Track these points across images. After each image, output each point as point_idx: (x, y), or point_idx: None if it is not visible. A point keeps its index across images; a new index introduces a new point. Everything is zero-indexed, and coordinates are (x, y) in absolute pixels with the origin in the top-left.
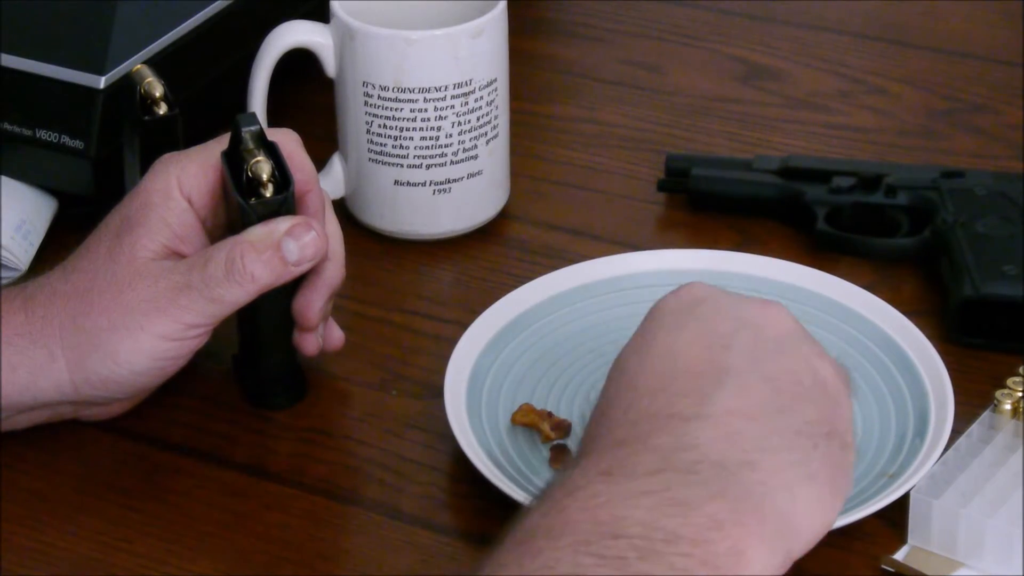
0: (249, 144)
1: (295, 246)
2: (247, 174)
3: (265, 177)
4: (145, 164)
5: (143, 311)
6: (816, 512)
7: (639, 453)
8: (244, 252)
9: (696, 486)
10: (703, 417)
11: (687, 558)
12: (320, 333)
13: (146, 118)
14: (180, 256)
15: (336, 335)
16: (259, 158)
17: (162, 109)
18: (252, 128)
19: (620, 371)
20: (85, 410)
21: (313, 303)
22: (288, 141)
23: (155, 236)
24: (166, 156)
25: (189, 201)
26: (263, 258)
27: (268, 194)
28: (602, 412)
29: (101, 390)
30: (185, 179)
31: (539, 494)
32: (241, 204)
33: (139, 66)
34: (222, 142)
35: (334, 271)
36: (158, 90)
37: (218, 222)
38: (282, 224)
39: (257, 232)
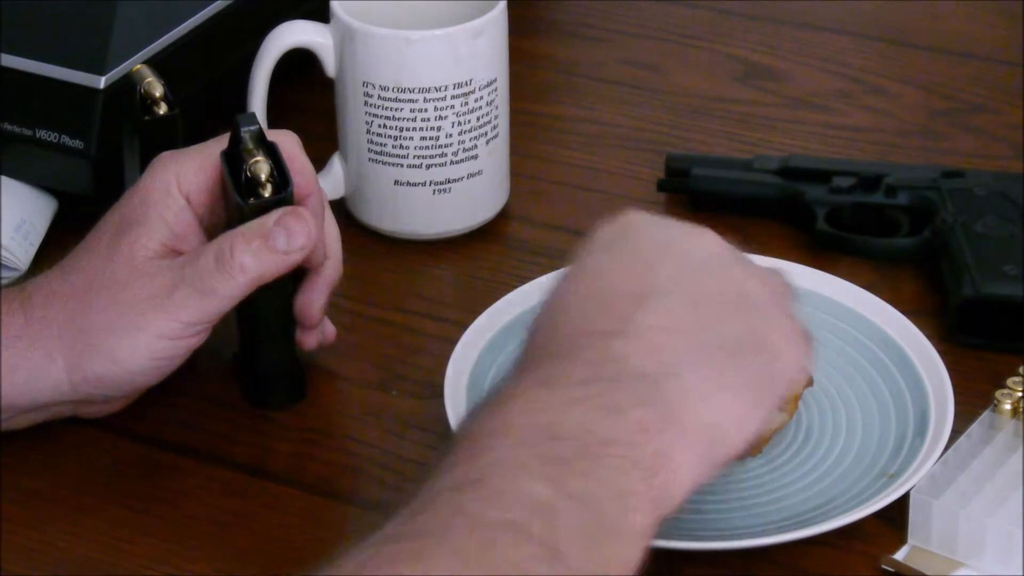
0: (248, 144)
1: (284, 234)
2: (246, 174)
3: (264, 177)
4: (145, 164)
5: (140, 310)
6: (733, 423)
7: (571, 365)
8: (234, 243)
9: (623, 393)
10: (627, 333)
11: (620, 459)
12: (321, 330)
13: (146, 118)
14: (179, 255)
15: (329, 329)
16: (258, 158)
17: (162, 109)
18: (252, 128)
19: (553, 294)
20: (84, 408)
21: (315, 302)
22: (288, 143)
23: (153, 235)
24: (165, 155)
25: (187, 199)
26: (252, 247)
27: (267, 194)
28: (537, 330)
29: (99, 389)
30: (184, 178)
31: (482, 401)
32: (238, 204)
33: (139, 66)
34: (221, 141)
35: (333, 269)
36: (158, 90)
37: (216, 221)
38: (272, 215)
39: (247, 224)
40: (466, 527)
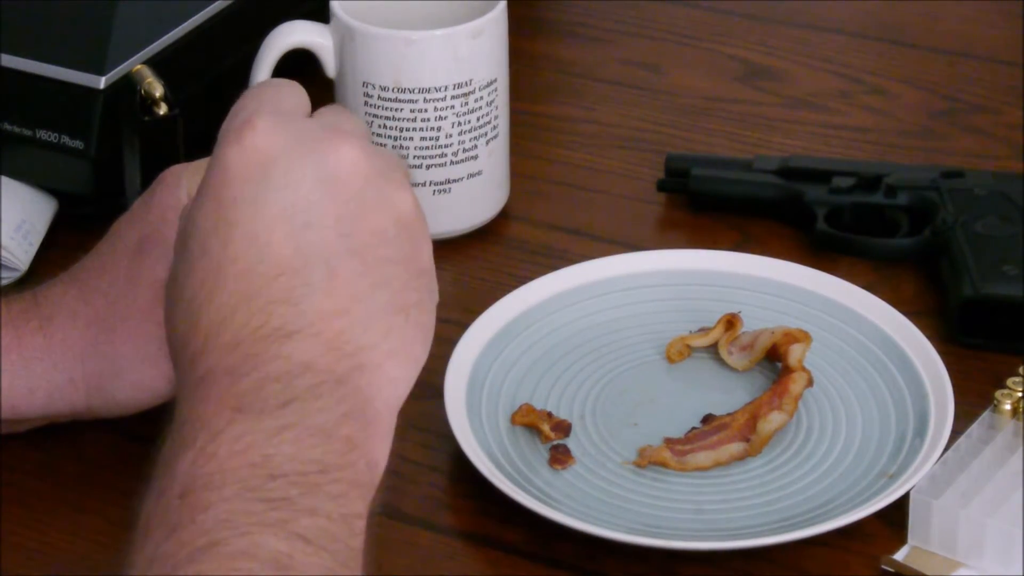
0: None
1: None
2: None
3: None
4: (145, 165)
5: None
6: (412, 377)
7: (261, 385)
8: None
9: (325, 412)
10: (303, 332)
11: (340, 483)
12: None
13: (146, 119)
14: None
15: None
16: None
17: (162, 110)
18: None
19: (202, 251)
20: (96, 413)
21: None
22: None
23: (172, 257)
24: (175, 168)
25: None
26: None
27: None
28: (197, 316)
29: (117, 412)
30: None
31: (170, 424)
32: None
33: (139, 67)
34: None
35: None
36: (158, 90)
37: None
38: None
39: None
40: None
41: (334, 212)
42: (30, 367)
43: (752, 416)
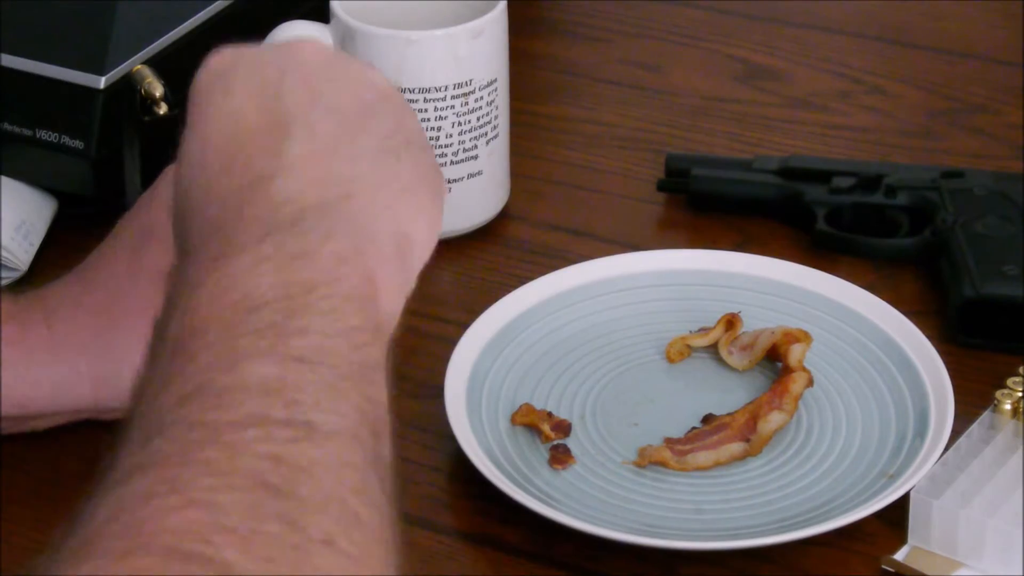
0: None
1: None
2: None
3: None
4: (145, 165)
5: None
6: (422, 220)
7: (240, 229)
8: None
9: (307, 234)
10: (284, 171)
11: (329, 298)
12: None
13: (146, 119)
14: None
15: None
16: None
17: (162, 109)
18: None
19: (187, 163)
20: (103, 415)
21: None
22: None
23: (171, 249)
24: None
25: None
26: None
27: None
28: (182, 205)
29: (125, 403)
30: None
31: (166, 302)
32: None
33: (139, 67)
34: None
35: None
36: (158, 90)
37: None
38: None
39: None
40: (208, 440)
41: (302, 83)
42: (34, 359)
43: (752, 416)
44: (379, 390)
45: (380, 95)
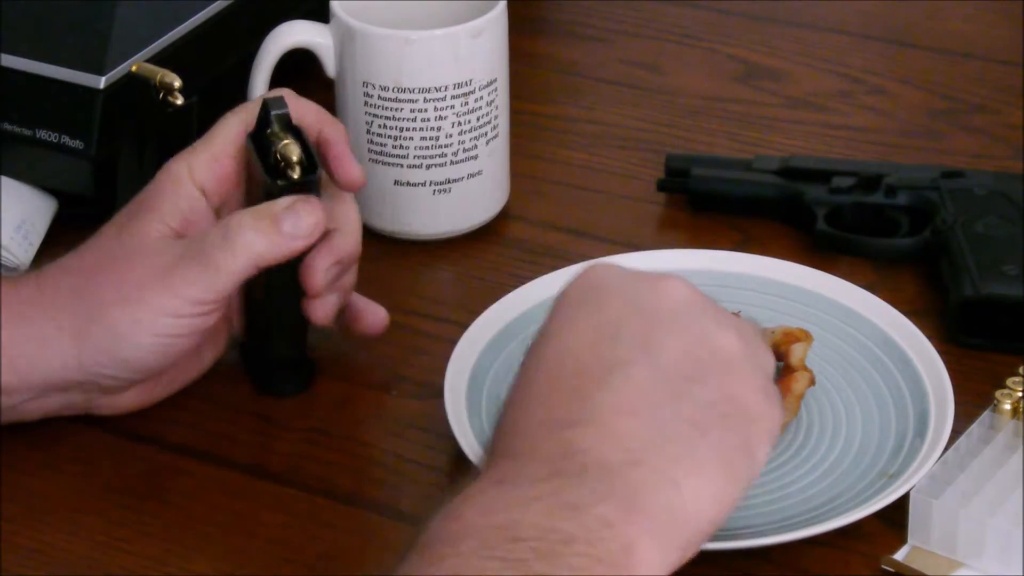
0: (277, 127)
1: (292, 218)
2: (275, 156)
3: (295, 159)
4: (161, 156)
5: (142, 284)
6: (706, 502)
7: (529, 463)
8: (242, 220)
9: (584, 488)
10: (585, 422)
11: (583, 557)
12: (332, 304)
13: (168, 110)
14: None
15: (380, 315)
16: (287, 141)
17: (179, 100)
18: (281, 111)
19: (522, 372)
20: (97, 399)
21: (316, 267)
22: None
23: (165, 218)
24: (175, 156)
25: (203, 191)
26: (259, 225)
27: (296, 176)
28: (504, 416)
29: (107, 367)
30: (196, 170)
31: (446, 501)
32: (267, 184)
33: (140, 63)
34: (222, 132)
35: (341, 240)
36: (177, 81)
37: (232, 209)
38: (285, 200)
39: (259, 205)
40: None
41: (641, 329)
42: (22, 314)
43: None
44: None
45: (716, 358)
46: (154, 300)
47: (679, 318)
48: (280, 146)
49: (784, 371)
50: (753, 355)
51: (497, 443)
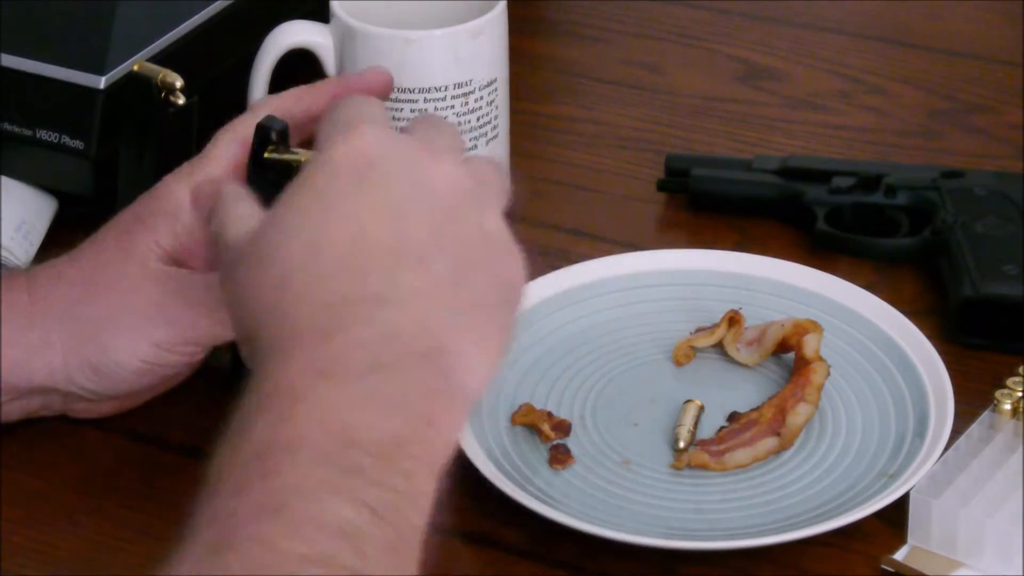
0: (278, 142)
1: None
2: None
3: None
4: (162, 156)
5: (138, 312)
6: (486, 379)
7: (349, 349)
8: None
9: (408, 385)
10: (394, 302)
11: (413, 459)
12: None
13: (170, 110)
14: (184, 267)
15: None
16: (299, 154)
17: (180, 100)
18: (279, 126)
19: (298, 228)
20: (73, 404)
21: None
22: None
23: (161, 242)
24: (181, 167)
25: (201, 217)
26: None
27: None
28: (288, 280)
29: (93, 381)
30: (199, 197)
31: (249, 390)
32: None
33: (142, 63)
34: (220, 151)
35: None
36: (179, 80)
37: None
38: None
39: None
40: (278, 567)
41: (427, 215)
42: (11, 321)
43: (779, 410)
44: (418, 555)
45: (491, 245)
46: (148, 331)
47: (461, 207)
48: (293, 159)
49: (799, 363)
50: (503, 226)
51: (297, 314)
